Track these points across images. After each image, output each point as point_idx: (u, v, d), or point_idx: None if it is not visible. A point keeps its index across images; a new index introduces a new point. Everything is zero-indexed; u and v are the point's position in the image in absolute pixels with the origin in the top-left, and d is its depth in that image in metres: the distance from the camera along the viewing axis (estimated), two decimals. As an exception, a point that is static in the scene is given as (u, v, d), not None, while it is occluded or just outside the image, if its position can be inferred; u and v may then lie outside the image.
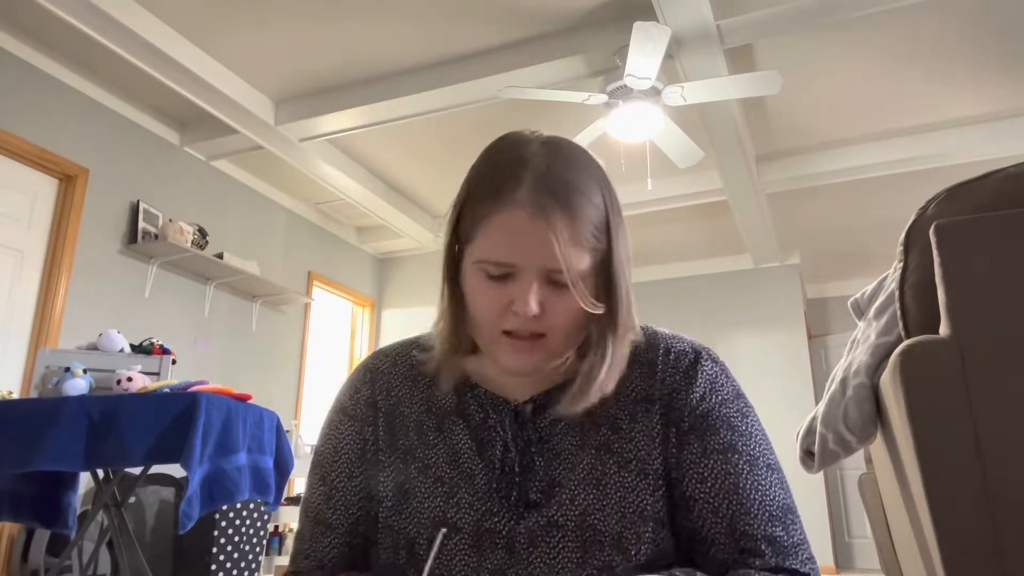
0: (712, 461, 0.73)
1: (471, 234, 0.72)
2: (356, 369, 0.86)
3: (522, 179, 0.70)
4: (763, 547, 0.70)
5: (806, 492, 5.34)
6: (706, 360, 0.78)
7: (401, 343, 0.87)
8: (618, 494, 0.72)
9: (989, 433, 0.91)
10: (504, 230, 0.69)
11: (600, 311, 0.72)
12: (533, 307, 0.69)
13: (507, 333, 0.72)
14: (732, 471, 0.73)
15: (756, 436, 0.76)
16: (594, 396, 0.73)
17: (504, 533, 0.72)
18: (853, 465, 5.89)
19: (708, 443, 0.74)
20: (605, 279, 0.72)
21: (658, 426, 0.75)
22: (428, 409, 0.80)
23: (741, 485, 0.72)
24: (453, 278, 0.76)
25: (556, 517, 0.72)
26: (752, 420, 0.77)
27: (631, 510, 0.72)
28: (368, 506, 0.79)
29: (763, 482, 0.73)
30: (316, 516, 0.80)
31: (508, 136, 0.77)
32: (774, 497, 0.73)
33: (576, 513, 0.72)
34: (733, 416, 0.76)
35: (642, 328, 0.81)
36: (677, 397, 0.76)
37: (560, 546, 0.71)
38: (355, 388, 0.84)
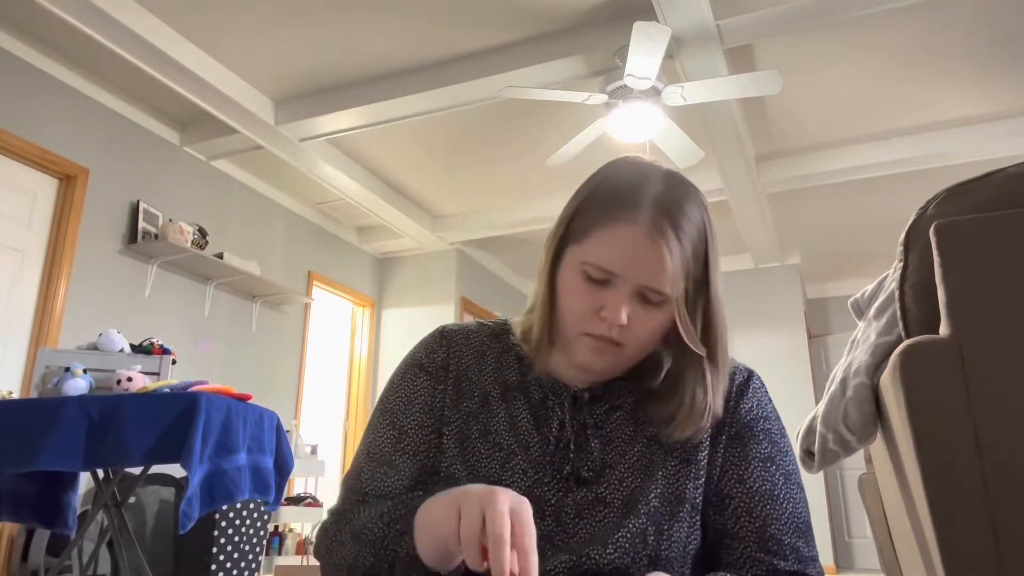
0: (753, 467, 0.80)
1: (583, 235, 0.77)
2: (431, 334, 0.92)
3: (645, 198, 0.75)
4: (788, 552, 0.77)
5: (806, 492, 5.34)
6: (756, 380, 0.87)
7: (472, 322, 0.94)
8: (662, 476, 0.79)
9: (989, 433, 0.91)
10: (618, 241, 0.75)
11: (696, 342, 0.77)
12: (623, 318, 0.75)
13: (587, 334, 0.77)
14: (770, 479, 0.80)
15: (791, 456, 0.84)
16: (705, 422, 0.79)
17: (553, 503, 0.78)
18: (853, 465, 5.89)
19: (751, 450, 0.81)
20: (704, 310, 0.78)
21: (707, 429, 0.81)
22: (494, 381, 0.86)
23: (776, 494, 0.79)
24: (552, 271, 0.81)
25: (604, 495, 0.78)
26: (788, 442, 0.85)
27: (671, 491, 0.78)
28: (431, 457, 0.84)
29: (794, 497, 0.80)
30: (380, 457, 0.84)
31: (630, 158, 0.83)
32: (801, 512, 0.80)
33: (624, 494, 0.78)
34: (775, 432, 0.84)
35: None
36: (728, 406, 0.83)
37: (605, 520, 0.77)
38: (431, 348, 0.90)
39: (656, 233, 0.74)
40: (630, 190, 0.76)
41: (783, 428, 0.85)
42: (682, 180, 0.80)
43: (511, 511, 0.61)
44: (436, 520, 0.66)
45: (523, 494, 0.76)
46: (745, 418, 0.83)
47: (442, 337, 0.90)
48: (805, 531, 0.79)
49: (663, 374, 0.82)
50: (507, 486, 0.76)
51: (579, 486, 0.78)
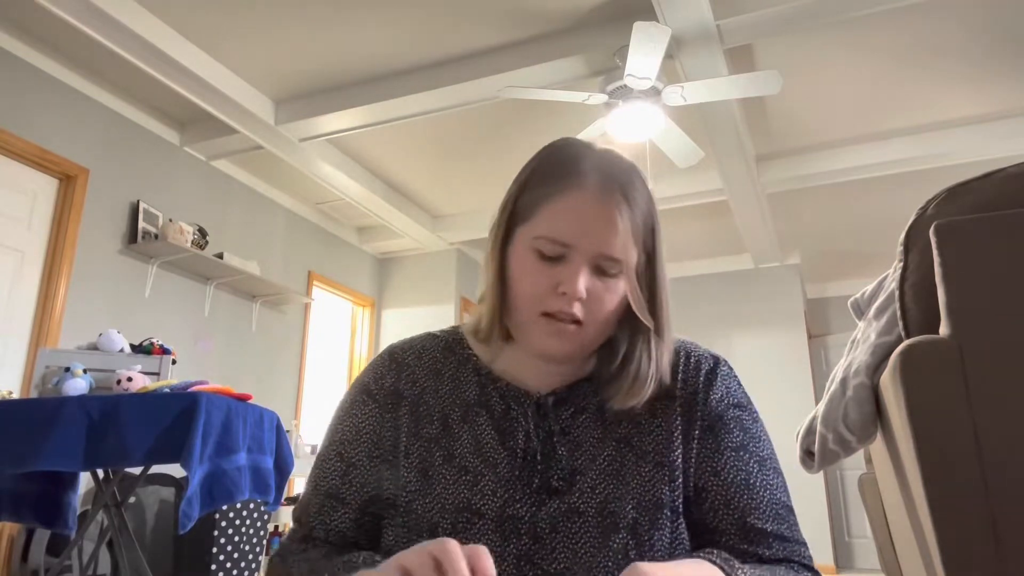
0: (726, 457, 0.78)
1: (530, 214, 0.76)
2: (380, 356, 0.88)
3: (589, 167, 0.76)
4: (771, 540, 0.75)
5: (806, 492, 5.34)
6: (724, 367, 0.85)
7: (421, 336, 0.90)
8: (636, 484, 0.76)
9: (989, 433, 0.91)
10: (569, 209, 0.74)
11: (646, 313, 0.77)
12: (581, 289, 0.73)
13: (546, 316, 0.75)
14: (744, 468, 0.78)
15: (765, 440, 0.82)
16: (648, 390, 0.77)
17: (527, 519, 0.75)
18: (853, 465, 5.89)
19: (723, 441, 0.79)
20: (650, 282, 0.78)
21: (677, 421, 0.80)
22: (453, 401, 0.83)
23: (752, 483, 0.77)
24: (500, 259, 0.80)
25: (577, 504, 0.75)
26: (761, 426, 0.83)
27: (647, 499, 0.75)
28: (382, 488, 0.81)
29: (771, 482, 0.78)
30: (328, 490, 0.81)
31: (566, 138, 0.83)
32: (780, 497, 0.78)
33: (597, 501, 0.75)
34: (746, 419, 0.82)
35: None
36: (697, 397, 0.81)
37: (581, 532, 0.74)
38: (380, 374, 0.86)
39: (606, 196, 0.74)
40: (573, 161, 0.76)
41: (755, 413, 0.83)
42: (621, 154, 0.80)
43: (467, 552, 0.56)
44: None
45: (496, 516, 0.74)
46: (715, 409, 0.80)
47: (391, 360, 0.86)
48: (786, 515, 0.77)
49: (619, 358, 0.80)
50: (478, 510, 0.75)
51: (551, 497, 0.75)
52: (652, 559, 0.73)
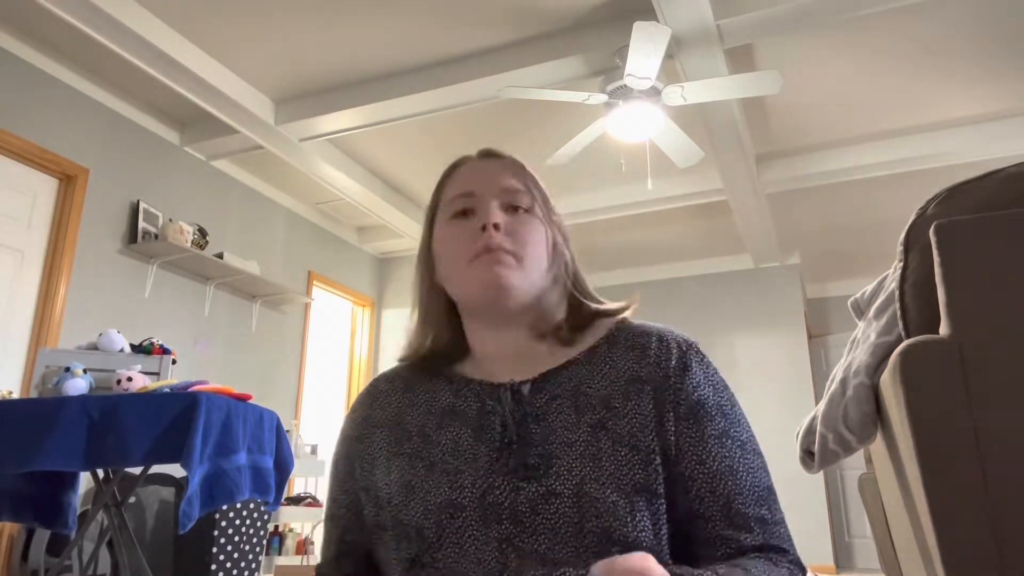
0: (710, 446, 0.79)
1: (438, 199, 0.90)
2: (358, 395, 0.96)
3: (468, 156, 0.91)
4: (753, 524, 0.77)
5: (806, 492, 5.34)
6: (698, 352, 0.85)
7: (395, 366, 0.96)
8: (613, 467, 0.76)
9: (989, 433, 0.91)
10: (460, 175, 0.89)
11: (554, 232, 0.87)
12: (495, 215, 0.82)
13: (478, 257, 0.82)
14: (727, 455, 0.79)
15: (744, 424, 0.83)
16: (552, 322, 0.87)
17: (507, 505, 0.76)
18: (853, 465, 5.89)
19: (706, 429, 0.80)
20: (554, 238, 0.87)
21: (650, 405, 0.80)
22: (428, 412, 0.86)
23: (735, 468, 0.79)
24: (432, 275, 0.90)
25: (554, 486, 0.76)
26: (739, 409, 0.85)
27: (625, 482, 0.76)
28: (356, 519, 0.87)
29: (752, 465, 0.80)
30: (333, 555, 0.89)
31: None
32: (761, 479, 0.80)
33: (573, 483, 0.75)
34: (724, 404, 0.83)
35: (628, 320, 0.90)
36: (671, 382, 0.82)
37: (559, 513, 0.75)
38: (354, 409, 0.93)
39: (489, 162, 0.89)
40: (459, 160, 0.92)
41: (732, 397, 0.84)
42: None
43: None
44: None
45: (478, 505, 0.76)
46: (693, 395, 0.81)
47: (367, 395, 0.93)
48: (767, 497, 0.79)
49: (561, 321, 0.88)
50: (459, 504, 0.77)
51: (528, 481, 0.76)
52: (633, 542, 0.74)
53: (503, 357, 0.86)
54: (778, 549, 0.77)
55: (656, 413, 0.80)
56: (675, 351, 0.83)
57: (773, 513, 0.79)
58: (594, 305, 0.89)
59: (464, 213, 0.85)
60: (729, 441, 0.80)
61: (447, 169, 0.93)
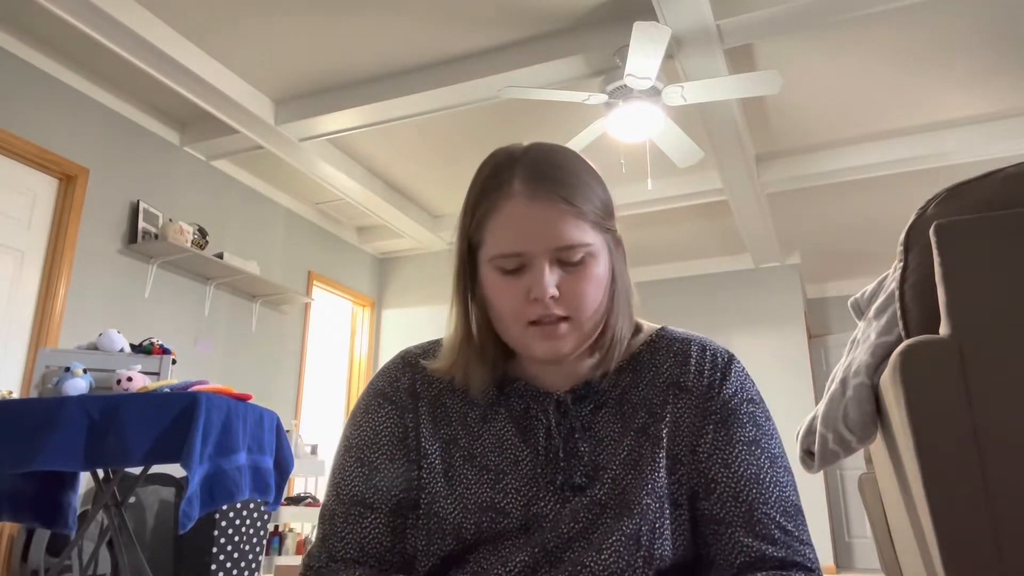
0: (738, 450, 0.78)
1: (480, 238, 0.78)
2: (392, 360, 0.88)
3: (514, 174, 0.76)
4: (776, 534, 0.75)
5: (806, 492, 5.34)
6: (738, 363, 0.85)
7: (429, 344, 0.89)
8: (650, 471, 0.76)
9: (989, 433, 0.91)
10: (506, 222, 0.75)
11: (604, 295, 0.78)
12: (549, 289, 0.73)
13: (533, 324, 0.76)
14: (755, 463, 0.78)
15: (776, 438, 0.82)
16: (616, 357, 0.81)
17: (551, 517, 0.75)
18: (853, 465, 5.89)
19: (735, 434, 0.79)
20: (610, 262, 0.79)
21: (688, 413, 0.80)
22: (471, 401, 0.83)
23: (762, 477, 0.77)
24: (471, 287, 0.81)
25: (600, 497, 0.75)
26: (773, 424, 0.83)
27: (659, 485, 0.76)
28: (409, 489, 0.80)
29: (781, 480, 0.78)
30: (352, 497, 0.80)
31: (495, 149, 0.82)
32: (789, 495, 0.78)
33: (617, 492, 0.75)
34: (759, 415, 0.82)
35: (668, 328, 0.88)
36: (711, 389, 0.81)
37: (599, 522, 0.74)
38: (394, 376, 0.86)
39: (536, 193, 0.74)
40: (498, 172, 0.77)
41: (768, 412, 0.83)
42: (547, 144, 0.80)
43: None
44: None
45: (521, 514, 0.75)
46: (730, 402, 0.80)
47: (405, 363, 0.86)
48: (794, 514, 0.77)
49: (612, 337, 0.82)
50: (502, 509, 0.75)
51: (575, 494, 0.76)
52: (662, 547, 0.74)
53: (546, 368, 0.83)
54: (802, 567, 0.74)
55: (692, 422, 0.80)
56: (719, 361, 0.83)
57: (799, 531, 0.76)
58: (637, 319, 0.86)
59: (513, 271, 0.76)
60: (758, 451, 0.79)
61: (488, 180, 0.78)
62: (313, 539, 4.75)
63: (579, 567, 0.73)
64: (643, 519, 0.74)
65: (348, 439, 0.84)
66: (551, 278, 0.74)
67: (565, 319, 0.75)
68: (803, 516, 0.78)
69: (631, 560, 0.73)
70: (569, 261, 0.75)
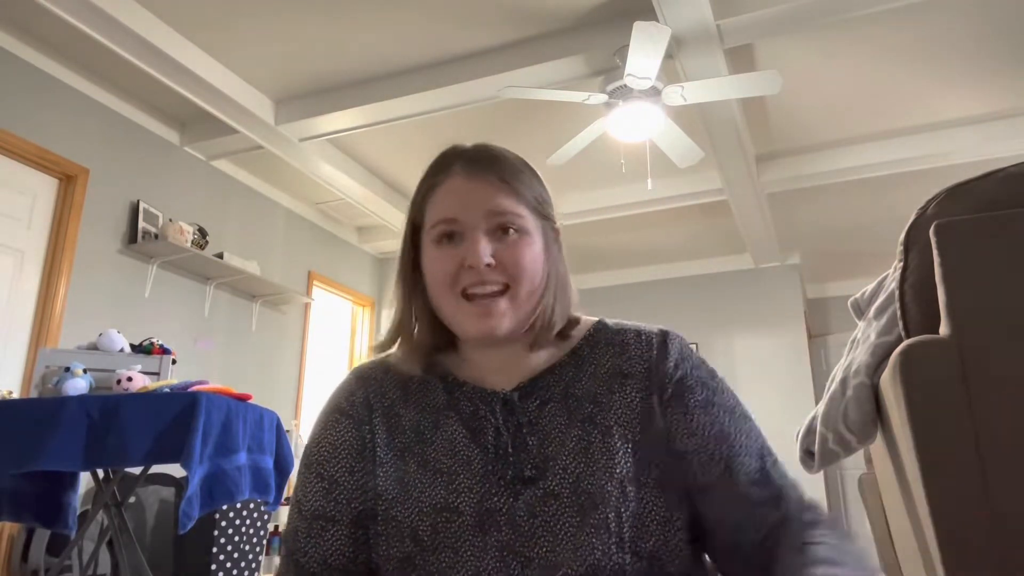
0: (696, 415, 0.81)
1: (422, 217, 0.84)
2: (346, 378, 0.92)
3: (456, 159, 0.84)
4: (757, 476, 0.78)
5: (806, 492, 5.33)
6: (673, 337, 0.87)
7: (384, 356, 0.93)
8: (604, 458, 0.78)
9: (989, 433, 0.91)
10: (445, 195, 0.82)
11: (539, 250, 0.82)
12: (483, 256, 0.78)
13: (467, 298, 0.79)
14: (716, 421, 0.81)
15: (727, 392, 0.85)
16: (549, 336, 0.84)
17: (505, 511, 0.76)
18: (853, 465, 5.89)
19: (688, 401, 0.82)
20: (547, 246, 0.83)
21: (636, 397, 0.82)
22: (422, 409, 0.85)
23: (726, 432, 0.80)
24: (413, 271, 0.86)
25: (552, 487, 0.76)
26: (720, 379, 0.86)
27: (617, 471, 0.77)
28: (368, 501, 0.82)
29: (743, 427, 0.82)
30: (314, 512, 0.82)
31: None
32: (755, 439, 0.82)
33: (570, 481, 0.76)
34: (705, 377, 0.84)
35: (605, 320, 0.91)
36: (655, 370, 0.83)
37: (559, 513, 0.75)
38: (350, 390, 0.89)
39: (475, 173, 0.81)
40: (441, 160, 0.85)
41: (713, 370, 0.86)
42: (491, 145, 0.87)
43: None
44: None
45: (474, 511, 0.76)
46: (674, 375, 0.83)
47: (358, 378, 0.90)
48: (766, 454, 0.80)
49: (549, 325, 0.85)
50: (456, 508, 0.76)
51: (525, 486, 0.77)
52: (641, 531, 0.75)
53: (492, 366, 0.86)
54: (789, 505, 0.77)
55: (642, 404, 0.81)
56: (653, 341, 0.86)
57: (775, 469, 0.80)
58: (574, 312, 0.89)
59: (449, 236, 0.80)
60: (715, 408, 0.81)
61: (432, 168, 0.86)
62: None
63: (552, 565, 0.73)
64: (606, 505, 0.75)
65: (308, 456, 0.86)
66: (486, 247, 0.78)
67: (503, 292, 0.79)
68: (771, 451, 0.81)
69: (605, 549, 0.73)
70: (504, 230, 0.79)
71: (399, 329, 0.87)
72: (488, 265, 0.78)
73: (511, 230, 0.80)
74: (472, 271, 0.78)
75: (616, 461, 0.77)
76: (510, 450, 0.79)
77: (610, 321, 0.90)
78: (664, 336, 0.86)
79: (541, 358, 0.86)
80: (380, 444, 0.83)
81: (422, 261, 0.84)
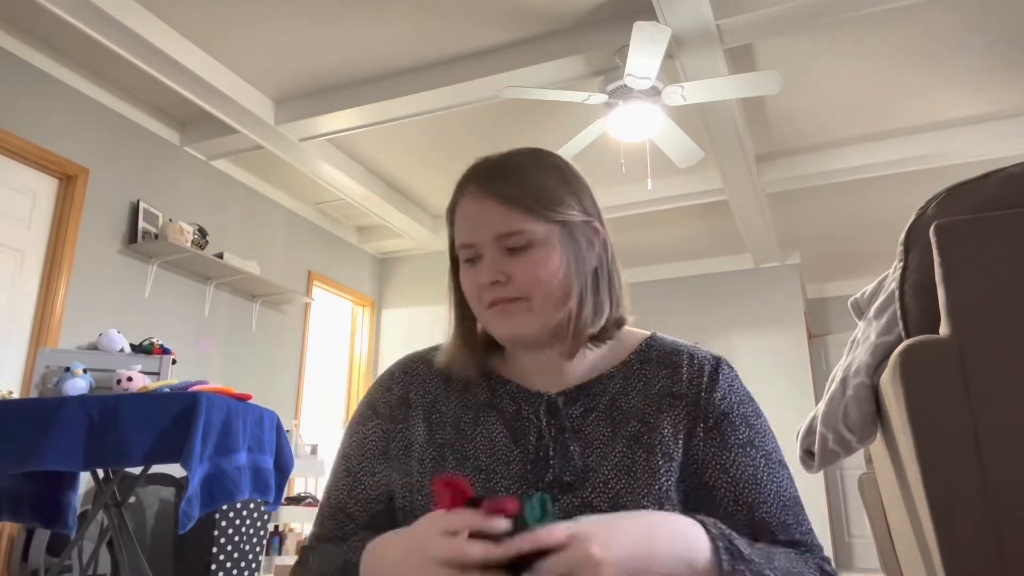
0: (733, 454, 0.81)
1: (453, 233, 0.87)
2: (389, 369, 0.93)
3: (471, 178, 0.86)
4: (777, 532, 0.78)
5: (806, 492, 5.33)
6: (726, 366, 0.87)
7: (430, 349, 0.94)
8: (646, 478, 0.78)
9: (989, 433, 0.91)
10: (461, 216, 0.85)
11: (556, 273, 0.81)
12: (489, 275, 0.80)
13: (492, 306, 0.82)
14: (751, 464, 0.80)
15: (769, 435, 0.84)
16: (577, 341, 0.83)
17: None
18: (853, 465, 5.89)
19: (729, 438, 0.81)
20: (572, 249, 0.83)
21: (683, 420, 0.82)
22: (464, 405, 0.86)
23: (759, 477, 0.80)
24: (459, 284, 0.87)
25: (590, 499, 0.77)
26: (764, 421, 0.85)
27: (656, 489, 0.78)
28: (388, 502, 0.85)
29: (777, 475, 0.81)
30: (338, 504, 0.86)
31: None
32: (786, 489, 0.81)
33: (609, 496, 0.77)
34: (750, 415, 0.84)
35: (657, 336, 0.90)
36: (702, 396, 0.83)
37: None
38: (387, 387, 0.91)
39: (480, 193, 0.83)
40: (461, 179, 0.87)
41: (759, 409, 0.86)
42: (517, 149, 0.88)
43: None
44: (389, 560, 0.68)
45: None
46: (720, 406, 0.83)
47: (401, 373, 0.91)
48: (793, 506, 0.80)
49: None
50: None
51: (563, 493, 0.77)
52: None
53: (534, 368, 0.86)
54: (808, 545, 0.78)
55: (687, 427, 0.82)
56: (706, 368, 0.85)
57: (799, 520, 0.80)
58: (620, 313, 0.87)
59: (470, 259, 0.84)
60: (753, 451, 0.81)
61: (457, 186, 0.87)
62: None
63: None
64: None
65: (343, 446, 0.90)
66: (494, 265, 0.80)
67: (517, 300, 0.80)
68: (802, 506, 0.81)
69: None
70: (514, 247, 0.80)
71: (454, 337, 0.89)
72: (498, 282, 0.80)
73: (519, 245, 0.81)
74: (491, 288, 0.81)
75: (657, 479, 0.78)
76: (551, 453, 0.80)
77: (664, 337, 0.90)
78: (716, 364, 0.86)
79: (586, 365, 0.86)
80: (418, 442, 0.85)
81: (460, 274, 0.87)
